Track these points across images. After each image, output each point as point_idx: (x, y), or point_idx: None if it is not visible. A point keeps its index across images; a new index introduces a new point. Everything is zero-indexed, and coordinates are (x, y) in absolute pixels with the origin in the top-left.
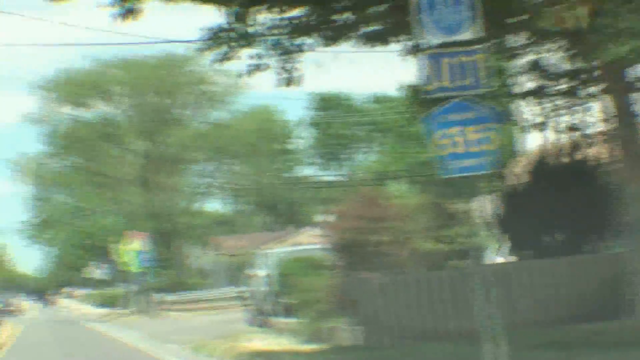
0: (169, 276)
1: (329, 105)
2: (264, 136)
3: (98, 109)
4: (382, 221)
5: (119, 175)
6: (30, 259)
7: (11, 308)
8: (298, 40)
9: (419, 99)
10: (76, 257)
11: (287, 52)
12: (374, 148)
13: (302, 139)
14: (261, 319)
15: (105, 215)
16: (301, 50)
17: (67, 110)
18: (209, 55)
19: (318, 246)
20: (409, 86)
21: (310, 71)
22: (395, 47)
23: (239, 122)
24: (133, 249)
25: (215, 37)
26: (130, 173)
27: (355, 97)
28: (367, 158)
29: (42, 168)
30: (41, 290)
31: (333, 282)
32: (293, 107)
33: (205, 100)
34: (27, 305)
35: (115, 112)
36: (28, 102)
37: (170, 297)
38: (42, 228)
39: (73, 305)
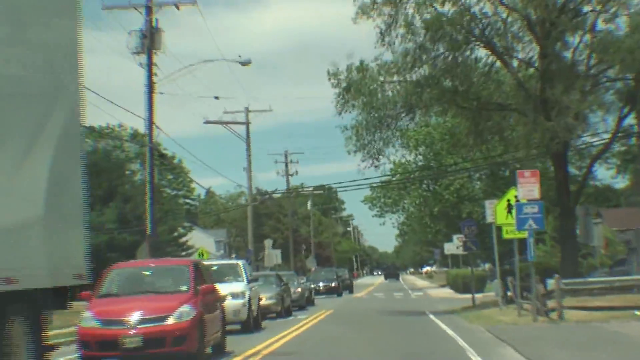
0: (560, 252)
1: None
2: None
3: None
4: None
5: (500, 100)
6: (379, 230)
7: (342, 283)
8: None
9: None
10: (424, 226)
11: None
12: None
13: None
14: None
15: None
16: None
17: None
18: None
19: None
20: None
21: None
22: None
23: None
24: (512, 201)
25: None
26: (515, 97)
27: None
28: None
29: (377, 88)
30: (386, 265)
31: None
32: None
33: None
34: (370, 281)
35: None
36: None
37: (556, 283)
38: (379, 189)
39: (419, 283)
